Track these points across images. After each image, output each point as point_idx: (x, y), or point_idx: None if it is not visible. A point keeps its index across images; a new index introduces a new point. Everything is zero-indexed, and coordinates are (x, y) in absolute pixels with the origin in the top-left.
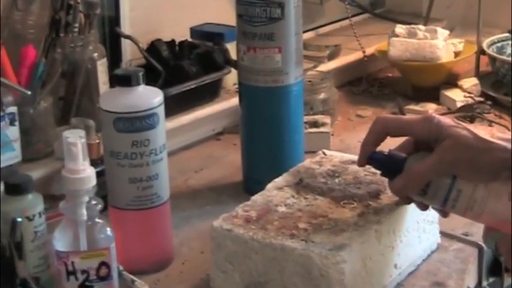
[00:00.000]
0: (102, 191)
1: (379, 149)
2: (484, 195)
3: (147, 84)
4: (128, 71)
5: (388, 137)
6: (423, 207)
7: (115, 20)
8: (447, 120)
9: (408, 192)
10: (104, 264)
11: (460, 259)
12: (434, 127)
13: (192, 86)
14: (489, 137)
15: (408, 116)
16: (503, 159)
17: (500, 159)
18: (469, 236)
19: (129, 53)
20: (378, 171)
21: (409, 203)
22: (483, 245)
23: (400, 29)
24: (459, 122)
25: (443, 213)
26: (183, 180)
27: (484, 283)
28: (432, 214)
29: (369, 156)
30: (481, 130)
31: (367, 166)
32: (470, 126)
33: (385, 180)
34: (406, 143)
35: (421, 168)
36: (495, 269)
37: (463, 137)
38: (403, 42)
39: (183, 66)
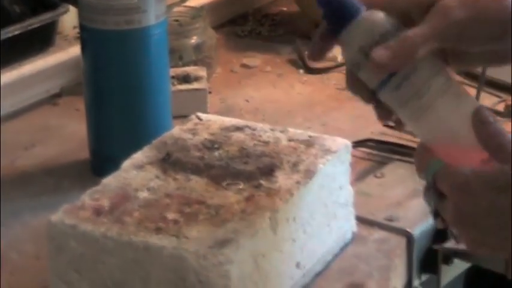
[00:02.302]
0: None
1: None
2: (443, 86)
3: None
4: None
5: None
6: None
7: None
8: None
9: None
10: None
11: (382, 252)
12: None
13: (16, 32)
14: None
15: None
16: None
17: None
18: (394, 221)
19: None
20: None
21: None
22: (412, 233)
23: None
24: None
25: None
26: (8, 161)
27: (416, 282)
28: (344, 195)
29: None
30: None
31: (257, 133)
32: None
33: (281, 152)
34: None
35: (419, 34)
36: (429, 263)
37: None
38: None
39: (3, 6)
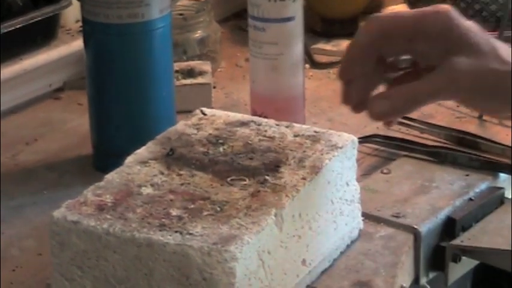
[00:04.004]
0: None
1: None
2: None
3: None
4: None
5: None
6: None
7: None
8: (464, 19)
9: (394, 118)
10: None
11: (389, 249)
12: (448, 23)
13: (18, 26)
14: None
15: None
16: None
17: None
18: (401, 217)
19: None
20: None
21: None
22: (419, 230)
23: None
24: (478, 26)
25: None
26: (9, 156)
27: (423, 280)
28: (351, 191)
29: None
30: (502, 43)
31: (262, 128)
32: (490, 36)
33: (286, 147)
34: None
35: (421, 91)
36: (436, 260)
37: (484, 54)
38: None
39: None
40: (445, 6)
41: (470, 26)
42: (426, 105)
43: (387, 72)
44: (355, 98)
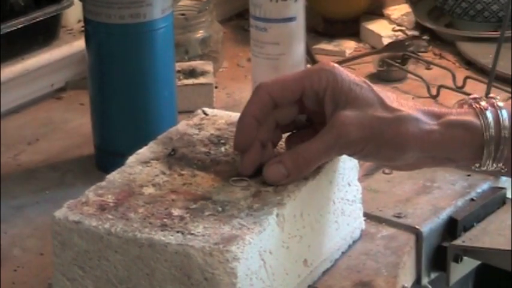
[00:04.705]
0: None
1: None
2: None
3: None
4: None
5: None
6: None
7: None
8: (349, 73)
9: (291, 182)
10: None
11: (391, 250)
12: (332, 79)
13: (20, 25)
14: (396, 104)
15: (296, 72)
16: (412, 134)
17: (409, 133)
18: (403, 218)
19: None
20: None
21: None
22: (421, 230)
23: None
24: (364, 79)
25: None
26: (11, 155)
27: (425, 280)
28: (352, 191)
29: None
30: (388, 93)
31: None
32: (375, 87)
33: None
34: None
35: (313, 152)
36: (438, 261)
37: (370, 105)
38: None
39: None
40: (330, 64)
41: (355, 79)
42: (322, 163)
43: (284, 132)
44: (255, 166)
